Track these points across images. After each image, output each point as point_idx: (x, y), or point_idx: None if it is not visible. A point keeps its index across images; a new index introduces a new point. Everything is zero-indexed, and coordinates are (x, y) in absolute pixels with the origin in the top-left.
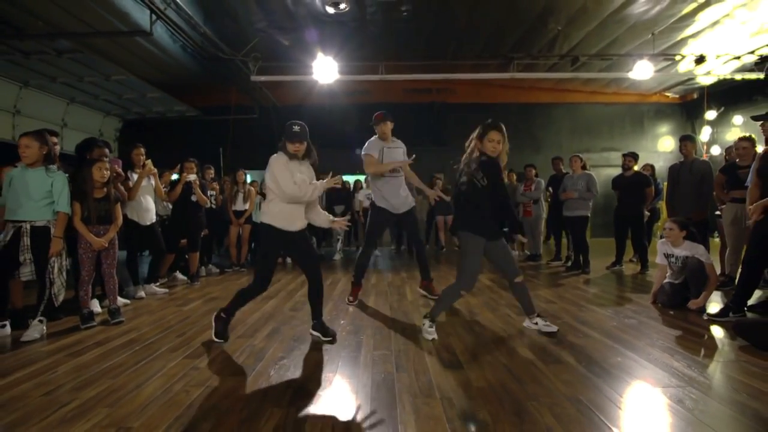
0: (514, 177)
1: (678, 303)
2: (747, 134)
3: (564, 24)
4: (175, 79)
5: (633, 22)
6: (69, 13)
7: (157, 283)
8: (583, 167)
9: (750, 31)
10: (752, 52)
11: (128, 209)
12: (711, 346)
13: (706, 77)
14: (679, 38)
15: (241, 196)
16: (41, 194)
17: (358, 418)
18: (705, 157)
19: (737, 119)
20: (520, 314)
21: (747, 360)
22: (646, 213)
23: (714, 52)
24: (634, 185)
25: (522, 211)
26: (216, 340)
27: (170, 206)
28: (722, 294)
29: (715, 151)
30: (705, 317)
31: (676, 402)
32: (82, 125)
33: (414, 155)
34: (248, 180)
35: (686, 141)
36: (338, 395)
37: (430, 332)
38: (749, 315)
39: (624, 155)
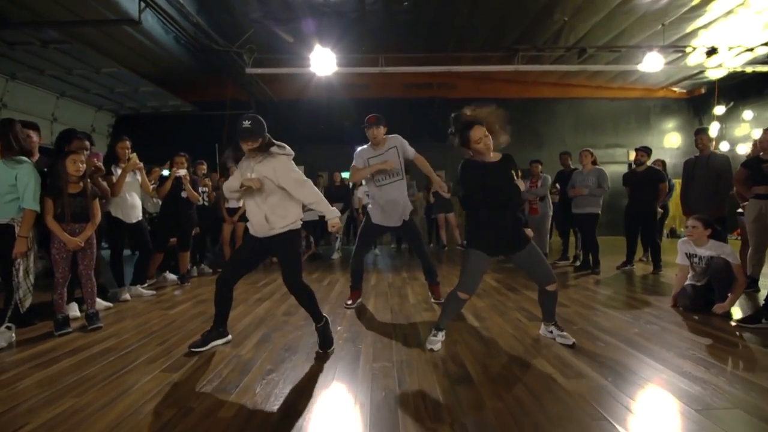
0: (519, 174)
1: (700, 306)
2: None
3: (570, 14)
4: (169, 72)
5: (642, 13)
6: (54, 0)
7: (145, 284)
8: (594, 162)
9: (765, 21)
10: (766, 44)
11: (112, 206)
12: (748, 357)
13: (715, 71)
14: (690, 29)
15: None
16: (4, 189)
17: None
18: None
19: (747, 114)
20: (531, 319)
21: None
22: (659, 210)
23: (726, 43)
24: (646, 181)
25: (528, 209)
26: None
27: (160, 203)
28: (745, 297)
29: (724, 147)
30: (733, 323)
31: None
32: (73, 120)
33: (382, 154)
34: None
35: (702, 134)
36: (332, 418)
37: (433, 341)
38: None
39: (636, 150)
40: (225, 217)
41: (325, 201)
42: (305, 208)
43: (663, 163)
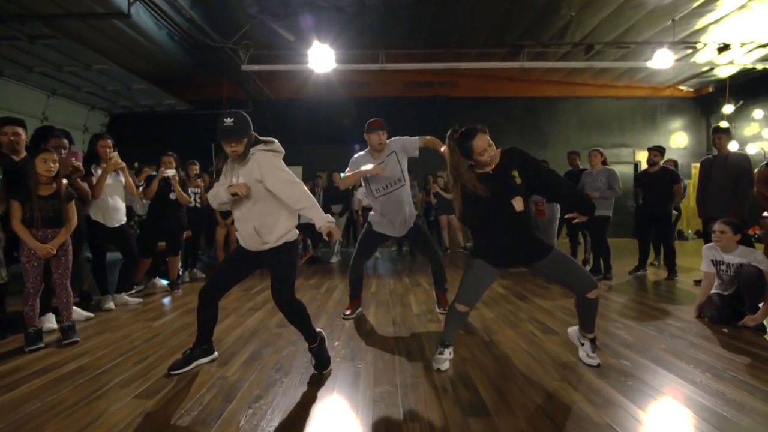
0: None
1: (728, 318)
2: None
3: (577, 9)
4: (163, 70)
5: (652, 8)
6: None
7: (133, 291)
8: (603, 162)
9: None
10: None
11: (92, 209)
12: None
13: (724, 69)
14: (700, 25)
15: None
16: None
17: None
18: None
19: (757, 113)
20: (546, 332)
21: None
22: (674, 212)
23: (738, 39)
24: (660, 181)
25: (534, 210)
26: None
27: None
28: None
29: (733, 147)
30: None
31: None
32: (64, 119)
33: (382, 162)
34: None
35: (720, 133)
36: None
37: (440, 360)
38: None
39: (649, 149)
40: (218, 219)
41: (318, 206)
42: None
43: (675, 162)
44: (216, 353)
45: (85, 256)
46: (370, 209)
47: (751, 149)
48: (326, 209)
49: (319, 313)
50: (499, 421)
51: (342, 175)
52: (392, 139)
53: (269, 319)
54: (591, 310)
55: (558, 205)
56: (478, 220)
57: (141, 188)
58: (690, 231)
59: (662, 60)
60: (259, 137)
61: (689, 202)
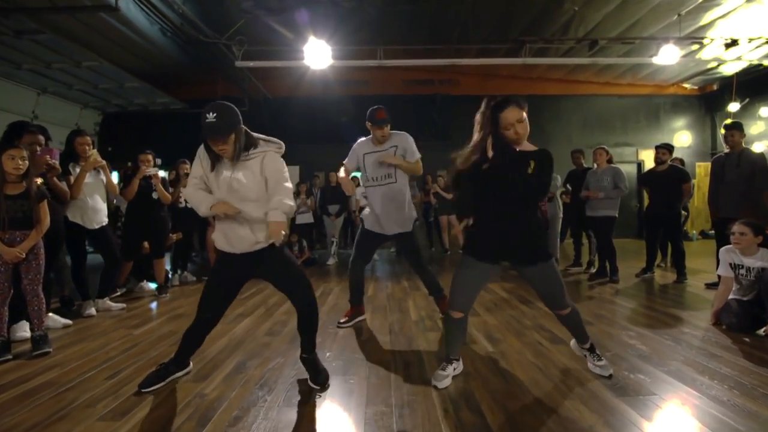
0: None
1: (748, 325)
2: None
3: (580, 4)
4: (156, 68)
5: (657, 2)
6: None
7: (117, 293)
8: (609, 161)
9: None
10: None
11: (70, 210)
12: None
13: (728, 66)
14: (707, 20)
15: None
16: None
17: None
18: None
19: (764, 111)
20: (554, 341)
21: None
22: (683, 213)
23: (746, 35)
24: (668, 181)
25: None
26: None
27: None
28: None
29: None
30: None
31: None
32: (56, 118)
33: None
34: None
35: (733, 129)
36: None
37: (440, 377)
38: None
39: (657, 147)
40: (210, 220)
41: (289, 199)
42: (298, 210)
43: (681, 161)
44: (190, 366)
45: (64, 260)
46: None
47: (758, 147)
48: (323, 210)
49: None
50: None
51: (340, 175)
52: (399, 133)
53: (258, 327)
54: (572, 322)
55: (560, 204)
56: (481, 200)
57: (120, 188)
58: (695, 231)
59: (668, 56)
60: (251, 132)
61: (694, 202)
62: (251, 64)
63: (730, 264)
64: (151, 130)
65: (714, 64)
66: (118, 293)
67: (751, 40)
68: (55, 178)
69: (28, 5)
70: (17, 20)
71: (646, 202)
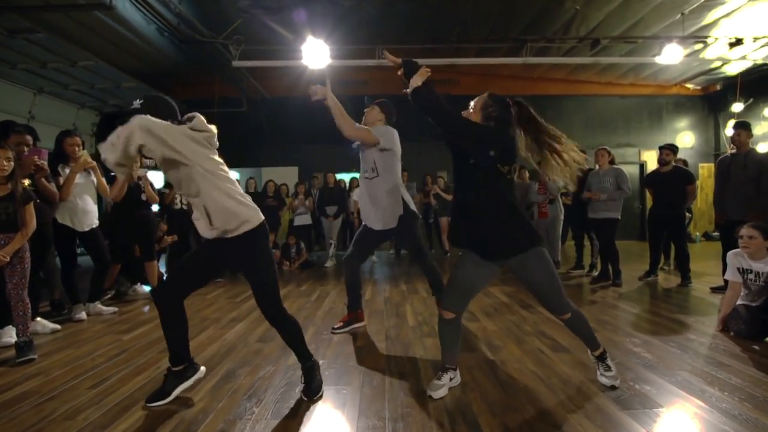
0: (527, 175)
1: (757, 332)
2: None
3: (582, 3)
4: (153, 67)
5: (660, 1)
6: None
7: (108, 296)
8: (611, 162)
9: None
10: None
11: (59, 212)
12: None
13: (732, 66)
14: (711, 19)
15: None
16: None
17: None
18: (730, 151)
19: None
20: (556, 349)
21: None
22: (688, 214)
23: (750, 33)
24: (673, 181)
25: (537, 212)
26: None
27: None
28: None
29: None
30: None
31: None
32: (52, 118)
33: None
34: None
35: (740, 129)
36: None
37: (436, 387)
38: None
39: (661, 148)
40: None
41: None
42: (296, 211)
43: (684, 162)
44: (202, 368)
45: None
46: None
47: (762, 148)
48: (321, 211)
49: (306, 324)
50: None
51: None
52: (385, 128)
53: (251, 332)
54: (577, 327)
55: (561, 206)
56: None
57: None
58: (698, 233)
59: (671, 55)
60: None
61: (697, 203)
62: (249, 63)
63: (739, 268)
64: None
65: (718, 63)
66: (108, 296)
67: (755, 39)
68: (43, 179)
69: (20, 3)
70: (10, 19)
71: (649, 203)
